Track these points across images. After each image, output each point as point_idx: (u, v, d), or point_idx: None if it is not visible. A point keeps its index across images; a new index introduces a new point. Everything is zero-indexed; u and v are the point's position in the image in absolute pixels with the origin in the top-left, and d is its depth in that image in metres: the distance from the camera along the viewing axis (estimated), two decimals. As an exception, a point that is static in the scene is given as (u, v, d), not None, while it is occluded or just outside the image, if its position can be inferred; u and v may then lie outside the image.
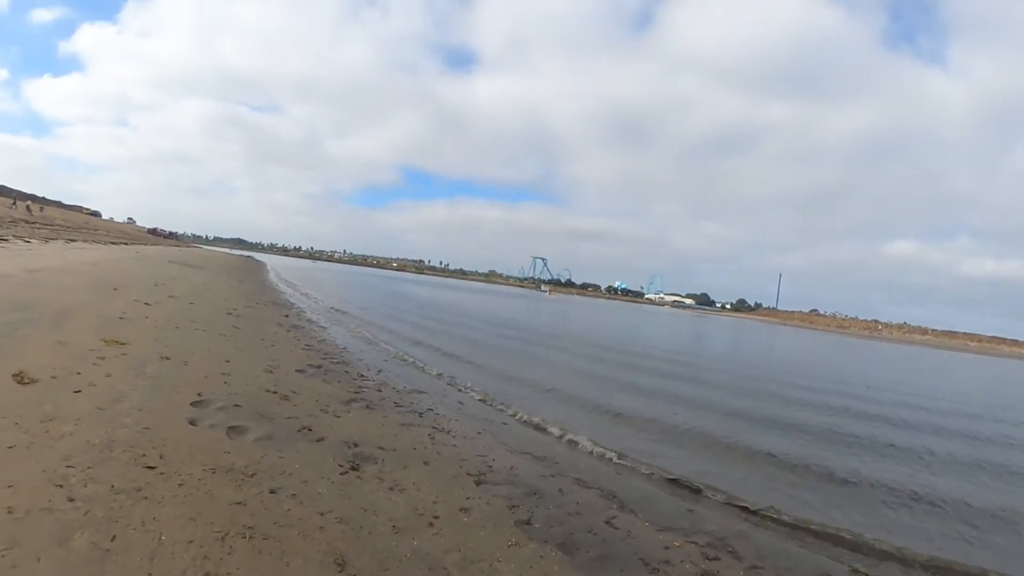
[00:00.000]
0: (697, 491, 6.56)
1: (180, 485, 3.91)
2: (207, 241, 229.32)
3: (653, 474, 6.98)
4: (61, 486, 3.48)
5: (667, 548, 4.78)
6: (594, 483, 6.28)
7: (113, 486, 3.63)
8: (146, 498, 3.59)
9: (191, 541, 3.22)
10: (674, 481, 6.81)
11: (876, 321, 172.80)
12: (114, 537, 3.09)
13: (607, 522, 5.14)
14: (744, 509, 6.18)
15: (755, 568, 4.72)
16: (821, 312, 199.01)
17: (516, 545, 4.25)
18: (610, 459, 7.38)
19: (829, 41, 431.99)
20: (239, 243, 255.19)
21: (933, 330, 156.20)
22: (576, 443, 7.92)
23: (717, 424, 10.50)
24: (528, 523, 4.75)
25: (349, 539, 3.75)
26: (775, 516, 6.06)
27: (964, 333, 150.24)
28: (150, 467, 4.07)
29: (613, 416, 10.15)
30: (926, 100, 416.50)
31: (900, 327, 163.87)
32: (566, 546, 4.44)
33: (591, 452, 7.60)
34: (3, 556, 2.75)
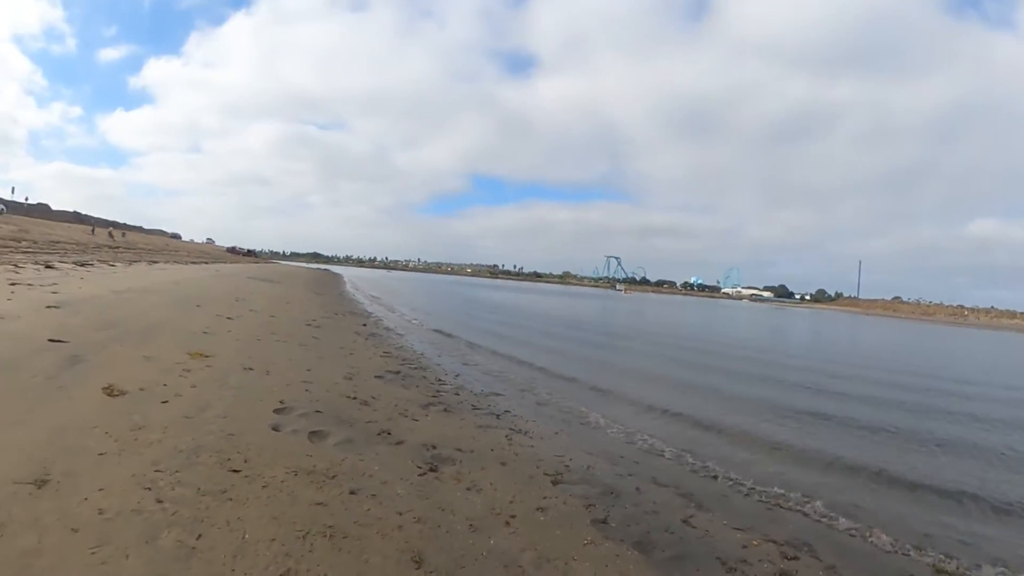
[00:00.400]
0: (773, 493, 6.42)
1: (264, 487, 4.07)
2: (284, 256, 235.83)
3: (728, 475, 6.87)
4: (150, 489, 3.67)
5: (745, 547, 4.69)
6: (671, 482, 6.22)
7: (199, 488, 3.81)
8: (231, 499, 3.76)
9: (274, 539, 3.35)
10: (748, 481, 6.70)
11: (962, 307, 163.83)
12: (200, 536, 3.24)
13: (684, 521, 5.08)
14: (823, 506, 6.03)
15: (833, 568, 4.59)
16: (904, 299, 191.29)
17: (592, 544, 4.25)
18: (686, 459, 7.28)
19: (892, 13, 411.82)
20: (315, 257, 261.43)
21: (1022, 313, 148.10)
22: (653, 443, 7.84)
23: (793, 425, 10.22)
24: (604, 522, 4.73)
25: (427, 538, 3.82)
26: (855, 515, 5.90)
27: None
28: (235, 471, 4.25)
29: (689, 418, 9.94)
30: (998, 67, 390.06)
31: (987, 312, 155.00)
32: (642, 545, 4.40)
33: (667, 453, 7.50)
34: (93, 553, 2.92)
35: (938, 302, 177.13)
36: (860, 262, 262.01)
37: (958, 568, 5.05)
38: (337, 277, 67.48)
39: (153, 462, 4.09)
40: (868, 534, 5.49)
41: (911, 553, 5.21)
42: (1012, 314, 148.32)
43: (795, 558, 4.63)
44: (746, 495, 6.28)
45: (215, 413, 5.49)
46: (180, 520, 3.36)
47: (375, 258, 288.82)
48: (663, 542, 4.53)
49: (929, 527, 5.89)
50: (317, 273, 71.07)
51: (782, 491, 6.40)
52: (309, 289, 33.36)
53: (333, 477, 4.54)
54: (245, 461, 4.47)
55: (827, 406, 12.15)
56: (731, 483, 6.61)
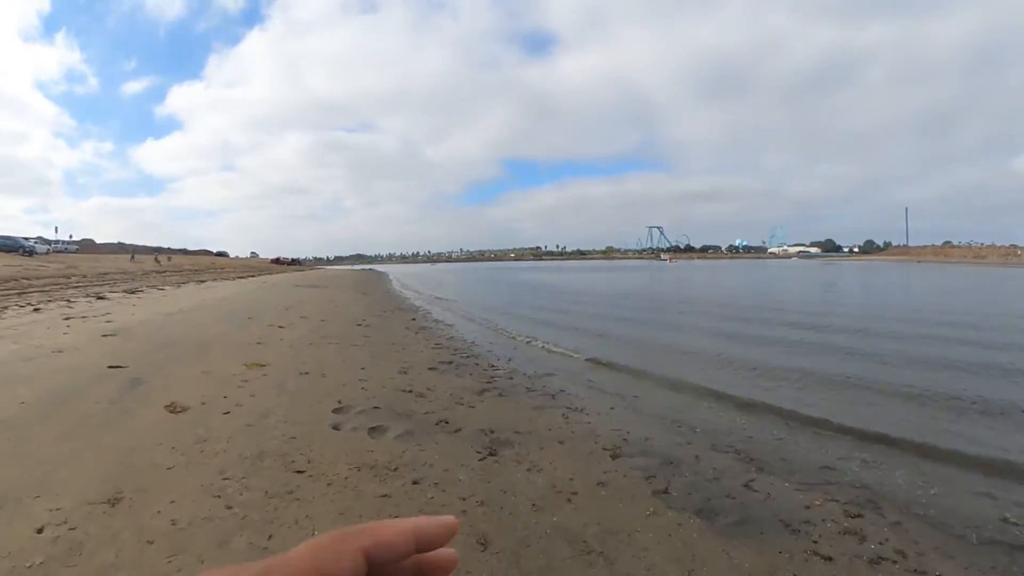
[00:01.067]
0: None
1: (328, 485, 4.18)
2: (328, 261, 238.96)
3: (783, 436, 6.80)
4: (219, 496, 3.81)
5: (808, 508, 4.61)
6: (730, 447, 6.16)
7: (267, 492, 3.94)
8: (298, 499, 3.88)
9: (342, 534, 3.42)
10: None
11: (1014, 246, 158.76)
12: (270, 536, 3.36)
13: (745, 485, 5.02)
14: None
15: (899, 524, 4.50)
16: (955, 243, 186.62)
17: (654, 514, 4.25)
18: (740, 424, 7.22)
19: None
20: (359, 259, 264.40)
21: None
22: (708, 411, 7.81)
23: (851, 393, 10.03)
24: (665, 492, 4.72)
25: (491, 520, 3.88)
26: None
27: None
28: (299, 471, 4.37)
29: (738, 391, 9.88)
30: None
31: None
32: (705, 512, 4.38)
33: (723, 419, 7.43)
34: (169, 562, 3.04)
35: (990, 243, 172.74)
36: (907, 209, 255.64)
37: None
38: (382, 276, 68.20)
39: (220, 471, 4.23)
40: (931, 489, 5.36)
41: (978, 503, 5.08)
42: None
43: (859, 516, 4.54)
44: (808, 453, 6.18)
45: (276, 419, 5.64)
46: (250, 523, 3.48)
47: (418, 253, 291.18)
48: (725, 508, 4.51)
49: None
50: (362, 274, 71.97)
51: (843, 453, 6.30)
52: (356, 290, 33.76)
53: (395, 469, 4.63)
54: (308, 462, 4.60)
55: (874, 370, 11.82)
56: (792, 442, 6.53)
